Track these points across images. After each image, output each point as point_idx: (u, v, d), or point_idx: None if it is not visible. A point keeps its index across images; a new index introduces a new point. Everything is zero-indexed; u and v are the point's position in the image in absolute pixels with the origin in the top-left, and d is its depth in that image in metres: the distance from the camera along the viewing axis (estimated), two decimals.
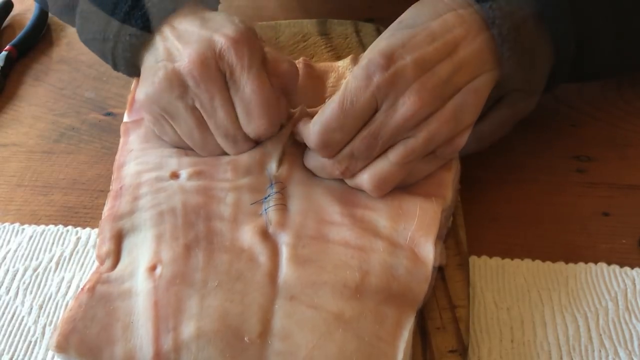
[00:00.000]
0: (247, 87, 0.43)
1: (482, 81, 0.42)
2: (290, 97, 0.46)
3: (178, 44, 0.44)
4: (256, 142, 0.46)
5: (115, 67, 0.50)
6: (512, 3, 0.42)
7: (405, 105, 0.40)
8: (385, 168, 0.42)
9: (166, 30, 0.45)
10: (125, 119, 0.51)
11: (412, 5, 0.45)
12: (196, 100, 0.43)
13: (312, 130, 0.42)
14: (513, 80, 0.43)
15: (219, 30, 0.43)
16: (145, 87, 0.45)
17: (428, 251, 0.41)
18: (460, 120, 0.42)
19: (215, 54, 0.42)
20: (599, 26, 0.44)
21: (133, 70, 0.49)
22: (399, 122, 0.41)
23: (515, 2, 0.42)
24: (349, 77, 0.42)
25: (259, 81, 0.43)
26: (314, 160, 0.45)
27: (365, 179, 0.43)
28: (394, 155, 0.42)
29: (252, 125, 0.43)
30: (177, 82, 0.43)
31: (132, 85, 0.53)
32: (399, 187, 0.44)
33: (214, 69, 0.43)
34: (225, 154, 0.46)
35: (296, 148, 0.47)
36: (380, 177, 0.42)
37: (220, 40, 0.43)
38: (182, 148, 0.47)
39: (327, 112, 0.42)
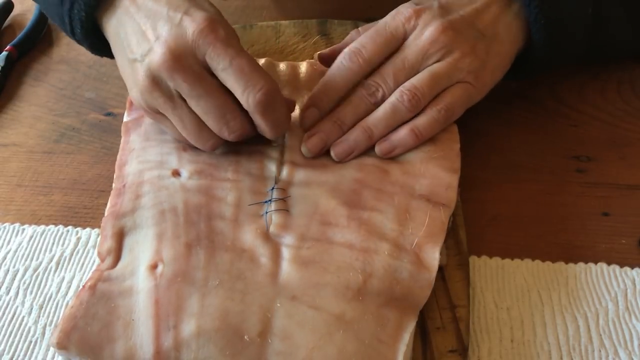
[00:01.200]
0: (234, 60, 0.41)
1: (505, 36, 0.48)
2: None
3: (145, 26, 0.44)
4: (248, 121, 0.44)
5: (73, 33, 0.50)
6: None
7: (429, 31, 0.46)
8: (415, 83, 0.46)
9: (128, 4, 0.45)
10: (126, 118, 0.51)
11: None
12: (179, 92, 0.43)
13: (347, 44, 0.48)
14: (542, 47, 0.48)
15: (188, 13, 0.42)
16: (132, 89, 0.45)
17: (433, 258, 0.41)
18: (482, 60, 0.47)
19: (188, 40, 0.42)
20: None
21: (92, 39, 0.49)
22: (424, 44, 0.46)
23: None
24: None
25: (244, 53, 0.42)
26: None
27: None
28: (421, 76, 0.46)
29: (252, 91, 0.41)
30: (155, 81, 0.43)
31: None
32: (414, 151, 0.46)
33: (190, 57, 0.42)
34: (224, 145, 0.45)
35: (296, 150, 0.47)
36: (412, 83, 0.46)
37: (192, 27, 0.42)
38: (185, 143, 0.47)
39: (362, 36, 0.48)
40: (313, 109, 0.47)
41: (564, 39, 0.48)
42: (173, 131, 0.46)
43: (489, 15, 0.48)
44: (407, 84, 0.46)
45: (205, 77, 0.42)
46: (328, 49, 0.52)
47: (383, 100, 0.47)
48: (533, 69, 0.50)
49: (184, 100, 0.43)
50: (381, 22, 0.48)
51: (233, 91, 0.42)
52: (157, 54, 0.42)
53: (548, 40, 0.47)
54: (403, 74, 0.47)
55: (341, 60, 0.48)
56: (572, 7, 0.47)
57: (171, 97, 0.43)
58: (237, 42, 0.43)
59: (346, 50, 0.48)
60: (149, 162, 0.47)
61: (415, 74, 0.47)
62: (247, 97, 0.42)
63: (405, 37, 0.48)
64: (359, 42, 0.48)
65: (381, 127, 0.46)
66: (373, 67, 0.48)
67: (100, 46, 0.51)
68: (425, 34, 0.47)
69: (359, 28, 0.52)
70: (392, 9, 0.49)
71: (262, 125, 0.43)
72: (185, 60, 0.42)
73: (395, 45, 0.48)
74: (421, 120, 0.46)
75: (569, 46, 0.49)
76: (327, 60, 0.50)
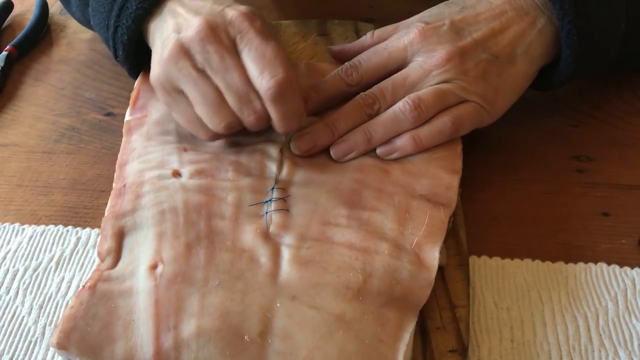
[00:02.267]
0: (260, 45, 0.42)
1: (524, 58, 0.46)
2: None
3: (187, 15, 0.44)
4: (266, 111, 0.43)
5: (116, 55, 0.51)
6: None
7: (435, 57, 0.45)
8: (420, 95, 0.45)
9: (174, 6, 0.46)
10: (127, 117, 0.51)
11: None
12: (206, 65, 0.42)
13: (357, 46, 0.48)
14: (572, 67, 0.46)
15: (231, 6, 0.44)
16: (155, 65, 0.45)
17: (433, 258, 0.41)
18: (493, 85, 0.46)
19: (226, 20, 0.43)
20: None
21: (132, 59, 0.50)
22: (429, 67, 0.45)
23: None
24: None
25: (274, 42, 0.42)
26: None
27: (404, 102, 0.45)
28: (427, 90, 0.46)
29: (267, 76, 0.41)
30: (183, 50, 0.43)
31: (136, 82, 0.53)
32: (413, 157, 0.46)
33: (224, 33, 0.43)
34: (236, 129, 0.44)
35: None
36: (418, 95, 0.45)
37: (232, 12, 0.43)
38: (194, 128, 0.45)
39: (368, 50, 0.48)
40: (307, 137, 0.47)
41: (596, 54, 0.47)
42: (184, 114, 0.45)
43: (506, 37, 0.46)
44: (412, 95, 0.46)
45: (236, 53, 0.43)
46: (339, 47, 0.53)
47: (378, 113, 0.47)
48: (559, 82, 0.49)
49: (207, 76, 0.43)
50: (384, 41, 0.48)
51: (250, 75, 0.42)
52: (193, 26, 0.43)
53: (580, 56, 0.46)
54: (402, 90, 0.46)
55: (338, 70, 0.49)
56: (605, 22, 0.46)
57: (197, 69, 0.43)
58: (271, 34, 0.43)
59: (348, 62, 0.49)
60: (150, 161, 0.47)
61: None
62: (260, 81, 0.41)
63: (406, 59, 0.47)
64: (360, 56, 0.49)
65: (380, 133, 0.46)
66: (367, 84, 0.48)
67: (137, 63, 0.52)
68: (429, 58, 0.46)
69: (375, 31, 0.51)
70: (392, 9, 0.49)
71: (273, 115, 0.43)
72: (219, 34, 0.42)
73: (393, 66, 0.48)
74: (425, 130, 0.46)
75: (599, 62, 0.48)
76: (335, 57, 0.52)
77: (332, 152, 0.46)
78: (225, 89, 0.42)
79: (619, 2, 0.46)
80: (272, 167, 0.46)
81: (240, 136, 0.47)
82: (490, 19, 0.47)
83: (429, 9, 0.49)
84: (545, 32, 0.46)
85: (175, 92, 0.45)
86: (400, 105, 0.46)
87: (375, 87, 0.47)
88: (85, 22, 0.58)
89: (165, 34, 0.45)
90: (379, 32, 0.51)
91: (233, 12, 0.43)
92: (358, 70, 0.48)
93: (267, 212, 0.43)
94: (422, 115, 0.45)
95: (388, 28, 0.50)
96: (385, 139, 0.46)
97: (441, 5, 0.49)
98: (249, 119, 0.43)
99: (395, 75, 0.47)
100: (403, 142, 0.46)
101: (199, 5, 0.45)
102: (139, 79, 0.53)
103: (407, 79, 0.46)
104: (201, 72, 0.43)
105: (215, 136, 0.45)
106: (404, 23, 0.49)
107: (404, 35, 0.47)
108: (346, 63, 0.49)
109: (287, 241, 0.42)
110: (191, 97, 0.44)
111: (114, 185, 0.46)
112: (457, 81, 0.45)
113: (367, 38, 0.51)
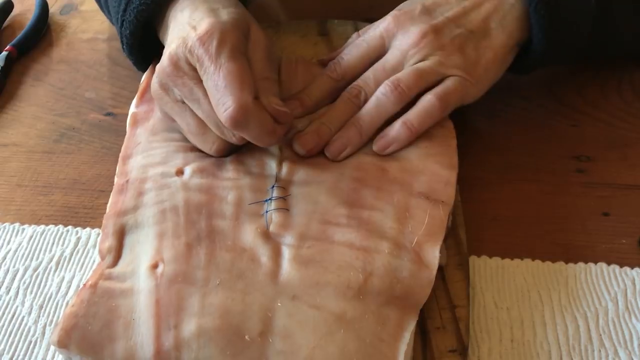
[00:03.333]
0: (214, 75, 0.42)
1: (499, 31, 0.47)
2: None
3: (171, 36, 0.46)
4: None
5: (124, 49, 0.53)
6: None
7: (408, 36, 0.46)
8: (399, 76, 0.46)
9: (174, 14, 0.47)
10: (133, 109, 0.51)
11: None
12: (182, 97, 0.44)
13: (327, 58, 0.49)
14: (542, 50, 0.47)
15: (198, 23, 0.44)
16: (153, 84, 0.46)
17: (433, 256, 0.41)
18: (471, 57, 0.46)
19: (186, 49, 0.43)
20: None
21: (136, 53, 0.52)
22: (404, 47, 0.46)
23: None
24: None
25: (225, 67, 0.42)
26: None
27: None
28: (405, 70, 0.46)
29: (220, 110, 0.41)
30: (163, 87, 0.45)
31: (144, 75, 0.54)
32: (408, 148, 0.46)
33: (185, 64, 0.43)
34: (229, 149, 0.46)
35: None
36: (398, 77, 0.46)
37: (192, 35, 0.44)
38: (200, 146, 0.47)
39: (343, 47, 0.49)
40: (296, 101, 0.49)
41: (566, 30, 0.47)
42: (181, 134, 0.48)
43: (479, 14, 0.48)
44: (392, 77, 0.46)
45: (201, 82, 0.43)
46: (328, 57, 0.53)
47: (366, 101, 0.47)
48: (532, 63, 0.50)
49: (187, 105, 0.45)
50: (362, 32, 0.50)
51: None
52: (162, 63, 0.44)
53: (549, 32, 0.46)
54: (384, 75, 0.47)
55: (325, 69, 0.50)
56: None
57: (176, 101, 0.45)
58: (228, 53, 0.42)
59: (332, 64, 0.50)
60: (154, 157, 0.47)
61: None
62: (219, 114, 0.42)
63: (384, 46, 0.48)
64: (342, 52, 0.50)
65: (368, 121, 0.46)
66: (352, 77, 0.49)
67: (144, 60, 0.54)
68: (405, 39, 0.47)
69: (359, 31, 0.52)
70: (392, 9, 0.49)
71: (245, 137, 0.43)
72: (183, 68, 0.43)
73: (374, 55, 0.49)
74: (413, 113, 0.46)
75: (571, 39, 0.48)
76: (325, 63, 0.52)
77: (327, 153, 0.46)
78: (204, 117, 0.44)
79: None
80: (272, 166, 0.46)
81: None
82: None
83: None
84: (517, 8, 0.47)
85: (167, 116, 0.47)
86: (381, 89, 0.46)
87: (359, 79, 0.48)
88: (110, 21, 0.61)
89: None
90: (362, 31, 0.51)
91: (192, 37, 0.43)
92: (341, 64, 0.49)
93: (267, 211, 0.43)
94: (404, 94, 0.46)
95: (370, 26, 0.51)
96: (375, 126, 0.47)
97: None
98: (232, 140, 0.44)
99: (375, 64, 0.48)
100: (396, 131, 0.46)
101: (182, 21, 0.46)
102: (147, 72, 0.54)
103: (386, 64, 0.47)
104: (180, 104, 0.45)
105: (217, 153, 0.46)
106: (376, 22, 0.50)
107: (379, 24, 0.49)
108: (330, 62, 0.50)
109: (288, 241, 0.42)
110: (180, 126, 0.46)
111: (116, 179, 0.46)
112: (434, 57, 0.46)
113: (353, 38, 0.52)
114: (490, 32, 0.47)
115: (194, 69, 0.43)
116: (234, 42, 0.43)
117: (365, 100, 0.47)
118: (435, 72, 0.46)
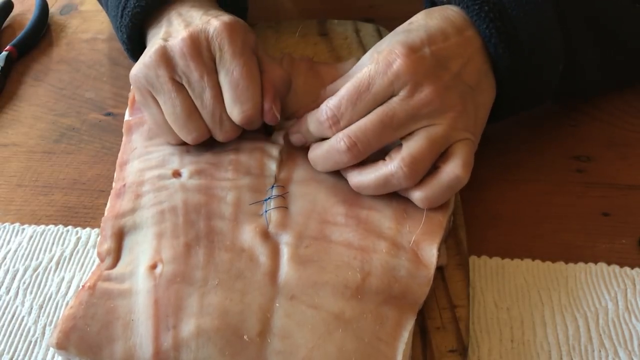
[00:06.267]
0: (235, 71, 0.43)
1: (485, 86, 0.44)
2: (281, 102, 0.46)
3: (179, 27, 0.46)
4: (241, 130, 0.46)
5: (127, 55, 0.53)
6: (508, 21, 0.43)
7: (424, 93, 0.41)
8: (413, 152, 0.41)
9: (172, 15, 0.47)
10: (127, 117, 0.51)
11: (422, 11, 0.46)
12: (184, 78, 0.44)
13: (323, 106, 0.43)
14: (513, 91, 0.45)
15: (217, 17, 0.45)
16: (138, 64, 0.45)
17: (431, 255, 0.41)
18: (473, 115, 0.44)
19: (209, 35, 0.43)
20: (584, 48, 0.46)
21: (133, 59, 0.50)
22: (417, 105, 0.41)
23: (510, 23, 0.43)
24: (364, 61, 0.44)
25: (247, 67, 0.43)
26: (319, 148, 0.44)
27: (401, 159, 0.41)
28: (419, 143, 0.41)
29: (237, 109, 0.43)
30: (165, 58, 0.44)
31: None
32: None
33: (205, 49, 0.44)
34: (206, 139, 0.46)
35: (296, 149, 0.47)
36: (412, 155, 0.41)
37: (215, 24, 0.44)
38: (162, 131, 0.47)
39: (342, 91, 0.42)
40: (299, 135, 0.46)
41: (529, 64, 0.44)
42: (156, 116, 0.46)
43: (473, 67, 0.43)
44: (406, 154, 0.41)
45: (214, 72, 0.44)
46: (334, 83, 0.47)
47: (363, 155, 0.43)
48: (503, 111, 0.47)
49: (183, 88, 0.44)
50: (367, 75, 0.42)
51: (224, 98, 0.44)
52: (178, 37, 0.44)
53: (514, 79, 0.44)
54: (390, 132, 0.42)
55: (318, 118, 0.43)
56: (534, 31, 0.43)
57: (173, 81, 0.44)
58: (249, 52, 0.44)
59: (323, 109, 0.43)
60: (150, 161, 0.47)
61: (402, 135, 0.42)
62: (231, 111, 0.44)
63: (392, 95, 0.42)
64: (337, 101, 0.42)
65: (371, 192, 0.43)
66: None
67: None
68: (418, 95, 0.41)
69: (368, 67, 0.42)
70: (392, 9, 0.49)
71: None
72: (202, 51, 0.43)
73: (379, 103, 0.42)
74: (433, 189, 0.42)
75: (538, 72, 0.45)
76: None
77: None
78: (201, 106, 0.44)
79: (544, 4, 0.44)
80: (272, 166, 0.46)
81: (241, 135, 0.47)
82: (457, 46, 0.43)
83: (396, 31, 0.45)
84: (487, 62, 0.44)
85: (149, 95, 0.46)
86: (392, 170, 0.41)
87: (358, 131, 0.42)
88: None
89: (155, 39, 0.46)
90: (368, 61, 0.44)
91: (216, 25, 0.44)
92: (339, 123, 0.43)
93: (266, 211, 0.43)
94: (419, 174, 0.42)
95: (378, 60, 0.42)
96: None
97: (407, 29, 0.44)
98: (220, 136, 0.45)
99: (381, 114, 0.42)
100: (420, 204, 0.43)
101: (193, 15, 0.46)
102: None
103: (394, 119, 0.41)
104: (177, 84, 0.44)
105: (182, 142, 0.46)
106: (378, 55, 0.43)
107: (388, 67, 0.41)
108: (322, 107, 0.43)
109: (286, 239, 0.42)
110: (163, 107, 0.45)
111: (113, 185, 0.46)
112: (445, 120, 0.42)
113: (363, 74, 0.42)
114: (481, 87, 0.44)
115: (212, 59, 0.44)
116: (253, 43, 0.45)
117: (363, 155, 0.42)
118: (446, 139, 0.42)
